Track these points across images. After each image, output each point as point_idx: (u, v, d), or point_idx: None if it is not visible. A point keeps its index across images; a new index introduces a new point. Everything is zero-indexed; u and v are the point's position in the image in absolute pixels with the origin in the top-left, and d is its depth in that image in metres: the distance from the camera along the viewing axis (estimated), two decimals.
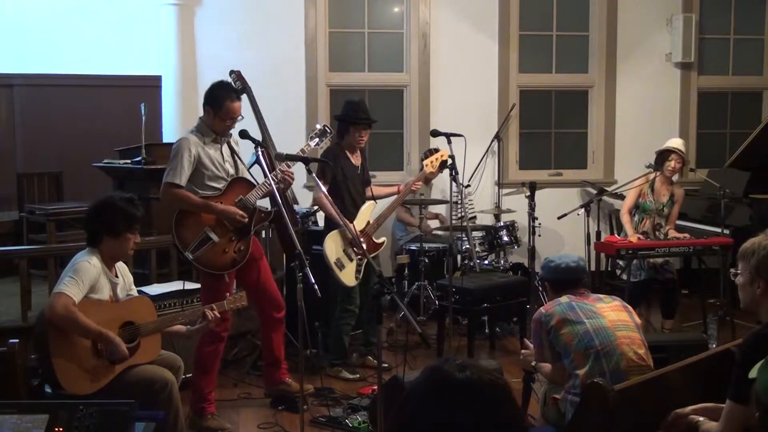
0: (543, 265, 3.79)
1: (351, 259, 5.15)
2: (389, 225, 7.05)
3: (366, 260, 5.08)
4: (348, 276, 5.13)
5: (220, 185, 4.37)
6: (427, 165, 5.42)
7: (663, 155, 6.13)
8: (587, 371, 3.34)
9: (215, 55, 7.05)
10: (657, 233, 6.10)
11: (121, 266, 3.90)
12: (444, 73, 7.60)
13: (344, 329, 5.31)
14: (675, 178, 6.23)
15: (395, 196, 5.43)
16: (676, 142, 6.21)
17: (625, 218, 6.16)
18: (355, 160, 5.36)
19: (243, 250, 4.40)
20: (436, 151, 5.56)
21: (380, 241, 5.41)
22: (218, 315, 3.95)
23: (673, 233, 6.15)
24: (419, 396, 1.52)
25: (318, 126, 4.90)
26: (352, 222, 5.07)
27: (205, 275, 4.40)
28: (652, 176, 6.12)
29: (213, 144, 4.40)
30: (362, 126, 5.27)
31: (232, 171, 4.45)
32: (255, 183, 4.47)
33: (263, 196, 4.49)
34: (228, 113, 4.33)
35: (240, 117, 4.41)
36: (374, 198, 5.42)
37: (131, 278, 3.99)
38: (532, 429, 3.80)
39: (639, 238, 5.86)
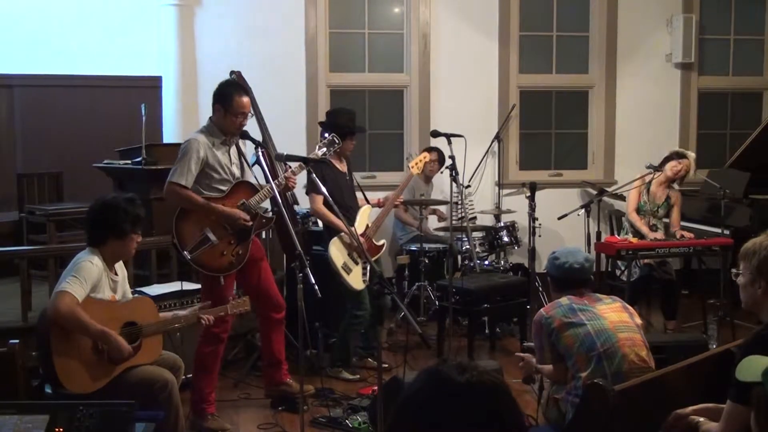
0: (549, 259, 3.72)
1: (356, 263, 5.15)
2: (389, 225, 7.05)
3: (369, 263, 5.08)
4: (356, 279, 5.13)
5: (224, 188, 4.36)
6: (412, 167, 5.50)
7: (672, 157, 6.06)
8: (589, 374, 3.34)
9: (215, 55, 7.04)
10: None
11: (119, 267, 3.90)
12: (444, 74, 7.59)
13: (351, 335, 5.31)
14: (675, 185, 6.17)
15: (382, 208, 5.46)
16: (690, 154, 6.13)
17: (633, 217, 6.08)
18: (342, 167, 5.38)
19: (241, 254, 4.38)
20: (432, 151, 5.55)
21: (380, 243, 5.41)
22: (212, 321, 4.01)
23: (679, 231, 6.12)
24: (419, 402, 1.49)
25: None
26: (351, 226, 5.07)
27: (204, 276, 4.40)
28: (648, 178, 6.09)
29: (222, 146, 4.38)
30: (355, 135, 5.41)
31: (238, 174, 4.43)
32: (258, 187, 4.45)
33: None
34: (238, 108, 4.33)
35: (250, 114, 4.42)
36: (367, 201, 5.45)
37: (126, 280, 4.00)
38: (532, 429, 3.80)
39: (656, 238, 5.82)
